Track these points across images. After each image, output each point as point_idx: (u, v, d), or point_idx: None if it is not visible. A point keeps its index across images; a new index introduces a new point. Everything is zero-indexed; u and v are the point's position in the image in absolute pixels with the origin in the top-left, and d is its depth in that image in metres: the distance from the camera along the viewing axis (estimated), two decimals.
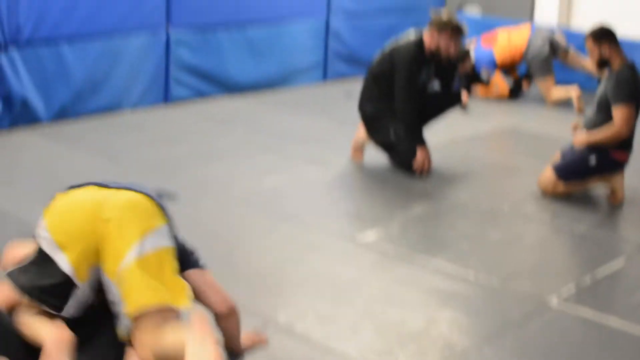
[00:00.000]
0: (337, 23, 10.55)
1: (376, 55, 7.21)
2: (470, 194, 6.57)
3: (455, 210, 6.24)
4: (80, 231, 3.39)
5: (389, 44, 7.13)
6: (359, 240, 5.49)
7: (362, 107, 7.14)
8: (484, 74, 9.80)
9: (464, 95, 7.46)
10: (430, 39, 6.90)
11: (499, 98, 9.82)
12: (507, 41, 9.85)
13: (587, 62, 9.05)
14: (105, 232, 3.35)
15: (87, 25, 8.19)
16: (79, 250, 3.36)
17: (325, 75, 10.58)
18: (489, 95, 9.83)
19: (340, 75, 10.70)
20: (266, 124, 8.40)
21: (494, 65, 9.85)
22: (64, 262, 3.36)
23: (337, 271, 5.05)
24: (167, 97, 8.92)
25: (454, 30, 6.88)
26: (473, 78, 9.90)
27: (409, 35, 7.05)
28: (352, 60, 10.79)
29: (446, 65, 7.11)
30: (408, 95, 6.86)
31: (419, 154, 6.86)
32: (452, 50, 6.93)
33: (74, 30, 8.11)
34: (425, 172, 6.89)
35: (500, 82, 9.83)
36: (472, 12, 11.61)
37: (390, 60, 6.96)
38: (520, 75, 10.07)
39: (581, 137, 6.40)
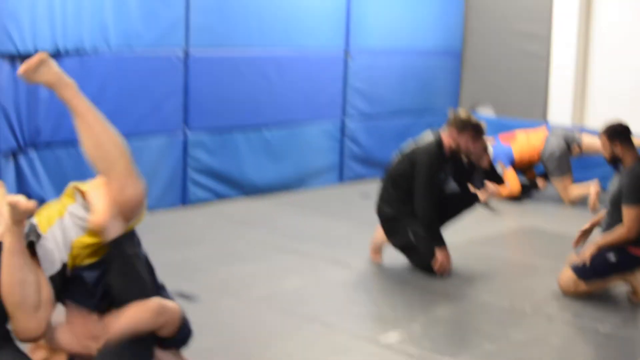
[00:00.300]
0: (352, 125, 10.64)
1: (394, 156, 7.22)
2: (491, 293, 6.51)
3: (477, 311, 6.18)
4: None
5: (407, 146, 7.15)
6: (381, 341, 5.43)
7: (380, 209, 7.13)
8: (497, 168, 9.79)
9: (482, 193, 7.45)
10: (449, 138, 6.92)
11: (510, 196, 9.79)
12: (525, 141, 9.92)
13: None
14: None
15: None
16: None
17: (341, 177, 10.65)
18: (500, 193, 9.76)
19: (356, 177, 10.77)
20: (284, 225, 8.41)
21: (511, 162, 9.88)
22: None
23: None
24: (184, 198, 8.96)
25: (476, 130, 6.90)
26: (491, 174, 9.86)
27: (427, 136, 7.07)
28: (368, 162, 10.86)
29: (466, 165, 7.13)
30: (427, 196, 6.85)
31: (439, 255, 6.83)
32: (475, 149, 6.94)
33: None
34: (446, 272, 6.86)
35: (512, 179, 9.82)
36: (485, 113, 11.70)
37: (409, 161, 6.97)
38: (537, 174, 10.09)
39: (585, 255, 6.38)
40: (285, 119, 9.91)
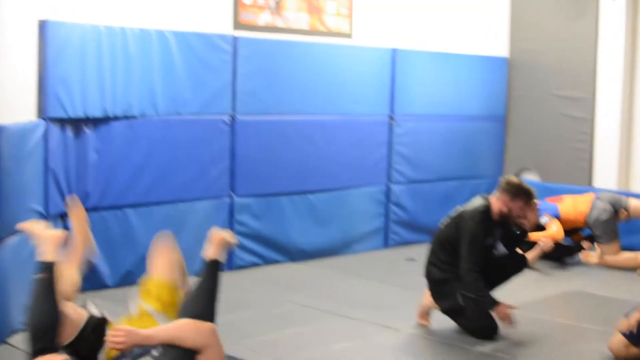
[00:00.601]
0: (397, 190, 10.65)
1: (443, 220, 7.19)
2: (540, 358, 6.44)
3: None
4: None
5: (455, 210, 7.13)
6: None
7: (428, 272, 7.10)
8: (543, 219, 9.68)
9: (531, 252, 7.37)
10: (500, 204, 6.90)
11: (554, 239, 9.61)
12: (572, 203, 9.86)
13: None
14: None
15: (151, 194, 8.38)
16: None
17: (386, 242, 10.63)
18: (543, 238, 9.59)
19: (401, 241, 10.74)
20: (331, 289, 8.39)
21: (556, 217, 9.80)
22: None
23: None
24: (231, 263, 8.97)
25: (528, 196, 6.89)
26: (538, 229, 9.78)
27: (476, 201, 7.05)
28: (413, 227, 10.84)
29: (515, 230, 7.10)
30: (471, 261, 6.80)
31: (500, 308, 6.79)
32: (528, 216, 6.93)
33: (139, 199, 8.27)
34: (510, 322, 6.81)
35: (558, 225, 9.71)
36: (531, 178, 11.65)
37: (456, 225, 6.95)
38: (584, 237, 10.00)
39: (632, 322, 6.31)
40: (331, 184, 9.95)
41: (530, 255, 7.52)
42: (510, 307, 6.85)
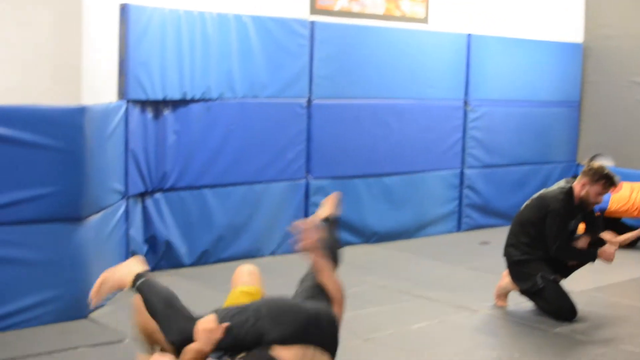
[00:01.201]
0: (471, 174, 10.64)
1: (525, 203, 7.16)
2: (620, 339, 6.40)
3: (609, 356, 6.08)
4: None
5: (537, 193, 7.13)
6: None
7: (507, 253, 7.11)
8: None
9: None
10: (581, 188, 6.89)
11: None
12: (628, 193, 9.74)
13: None
14: None
15: (228, 175, 8.48)
16: None
17: (459, 225, 10.63)
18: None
19: (475, 225, 10.74)
20: (406, 270, 8.43)
21: (602, 209, 9.69)
22: None
23: None
24: None
25: (609, 181, 6.86)
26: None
27: (559, 184, 7.05)
28: (486, 211, 10.84)
29: (594, 215, 7.09)
30: (559, 240, 6.80)
31: (603, 254, 6.92)
32: (600, 199, 6.93)
33: (216, 180, 8.38)
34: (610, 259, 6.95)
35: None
36: (605, 164, 11.55)
37: (537, 208, 6.94)
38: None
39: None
40: (405, 167, 9.98)
41: (622, 237, 7.51)
42: (610, 247, 6.91)
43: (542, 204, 6.93)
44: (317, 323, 4.56)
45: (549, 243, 6.84)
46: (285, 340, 4.42)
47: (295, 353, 4.40)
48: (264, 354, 4.40)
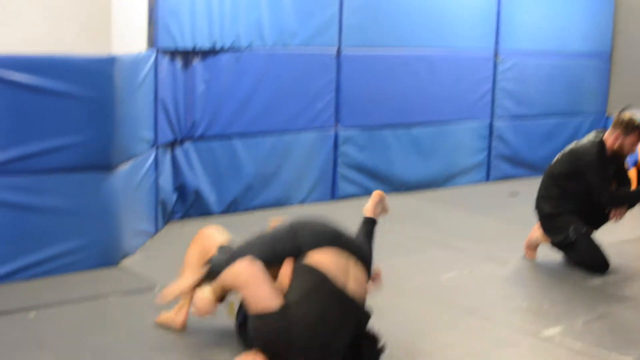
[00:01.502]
0: (500, 125, 10.58)
1: (556, 156, 7.10)
2: None
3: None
4: None
5: (569, 146, 7.07)
6: (543, 336, 5.38)
7: (539, 206, 7.06)
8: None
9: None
10: (613, 140, 6.82)
11: None
12: None
13: None
14: None
15: (257, 124, 8.45)
16: None
17: (488, 176, 10.60)
18: None
19: (503, 176, 10.71)
20: (434, 220, 8.42)
21: (634, 163, 9.62)
22: None
23: None
24: (334, 193, 9.06)
25: None
26: None
27: (590, 136, 6.99)
28: (515, 161, 10.79)
29: (622, 169, 7.04)
30: (605, 187, 6.77)
31: None
32: (634, 149, 6.86)
33: (245, 129, 8.36)
34: None
35: (633, 175, 9.52)
36: (636, 116, 11.45)
37: (570, 161, 6.89)
38: None
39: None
40: (435, 117, 9.94)
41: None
42: None
43: (574, 157, 6.87)
44: (348, 235, 4.76)
45: (596, 196, 6.79)
46: (320, 243, 4.54)
47: (330, 257, 4.51)
48: (299, 265, 4.49)
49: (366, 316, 4.62)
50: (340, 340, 4.41)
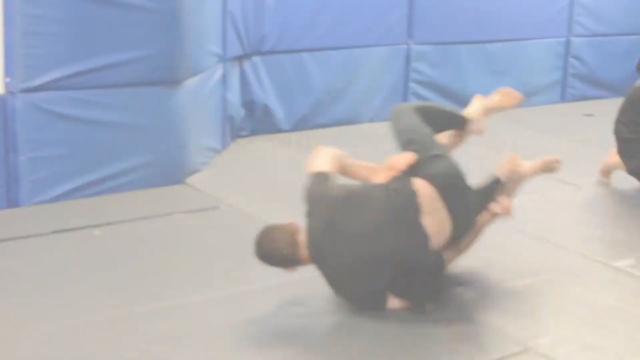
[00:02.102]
0: (577, 43, 10.28)
1: (638, 80, 6.86)
2: None
3: None
4: None
5: None
6: (615, 265, 5.23)
7: (617, 130, 6.82)
8: None
9: None
10: None
11: None
12: None
13: None
14: None
15: (328, 39, 8.30)
16: None
17: (563, 96, 10.33)
18: None
19: (579, 96, 10.42)
20: (505, 141, 8.21)
21: None
22: None
23: (595, 297, 4.81)
24: None
25: None
26: None
27: None
28: (592, 81, 10.48)
29: None
30: None
31: None
32: None
33: (315, 44, 8.21)
34: None
35: None
36: None
37: None
38: None
39: None
40: (509, 34, 9.68)
41: None
42: None
43: None
44: (462, 190, 4.80)
45: None
46: (434, 180, 4.57)
47: (430, 192, 4.50)
48: (405, 181, 4.53)
49: (430, 256, 4.49)
50: (384, 254, 4.32)
